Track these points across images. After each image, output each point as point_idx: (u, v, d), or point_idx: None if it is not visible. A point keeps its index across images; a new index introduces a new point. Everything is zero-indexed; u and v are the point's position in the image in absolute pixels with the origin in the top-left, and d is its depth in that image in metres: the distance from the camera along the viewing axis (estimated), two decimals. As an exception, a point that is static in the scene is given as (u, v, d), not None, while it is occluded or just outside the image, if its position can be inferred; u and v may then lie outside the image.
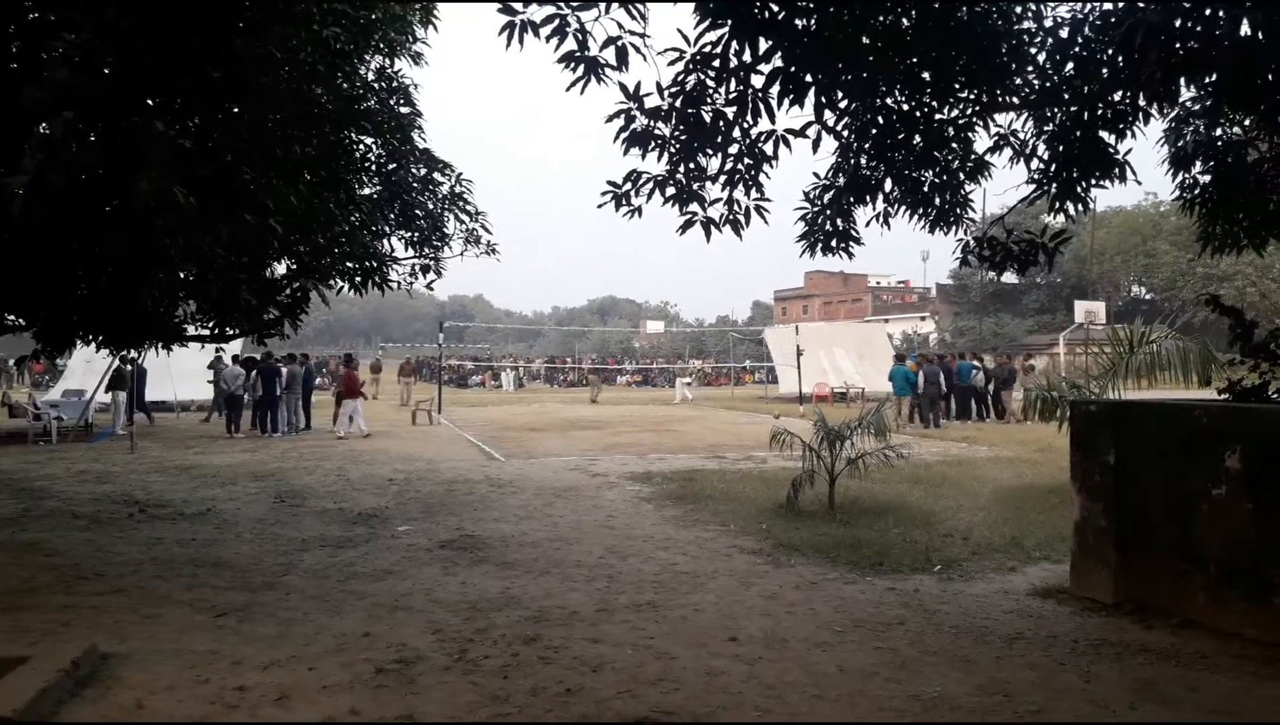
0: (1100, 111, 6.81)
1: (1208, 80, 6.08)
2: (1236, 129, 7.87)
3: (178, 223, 6.25)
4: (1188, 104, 7.88)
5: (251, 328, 9.02)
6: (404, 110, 10.55)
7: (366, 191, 10.48)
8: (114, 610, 6.76)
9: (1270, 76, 5.92)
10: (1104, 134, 6.89)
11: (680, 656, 5.88)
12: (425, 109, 10.72)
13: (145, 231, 6.39)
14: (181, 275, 7.55)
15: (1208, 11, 5.54)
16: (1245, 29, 5.50)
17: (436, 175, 11.15)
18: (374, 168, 10.59)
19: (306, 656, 5.84)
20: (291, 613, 6.79)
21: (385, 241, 10.92)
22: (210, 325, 8.92)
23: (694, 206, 6.84)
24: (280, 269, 9.27)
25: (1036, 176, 7.28)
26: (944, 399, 24.52)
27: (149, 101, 6.65)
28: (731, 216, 6.95)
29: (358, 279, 10.00)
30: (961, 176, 7.56)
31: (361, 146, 10.15)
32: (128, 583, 7.56)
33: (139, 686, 5.32)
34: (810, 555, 8.58)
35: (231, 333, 9.09)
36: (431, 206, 11.22)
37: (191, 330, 9.32)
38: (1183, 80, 6.13)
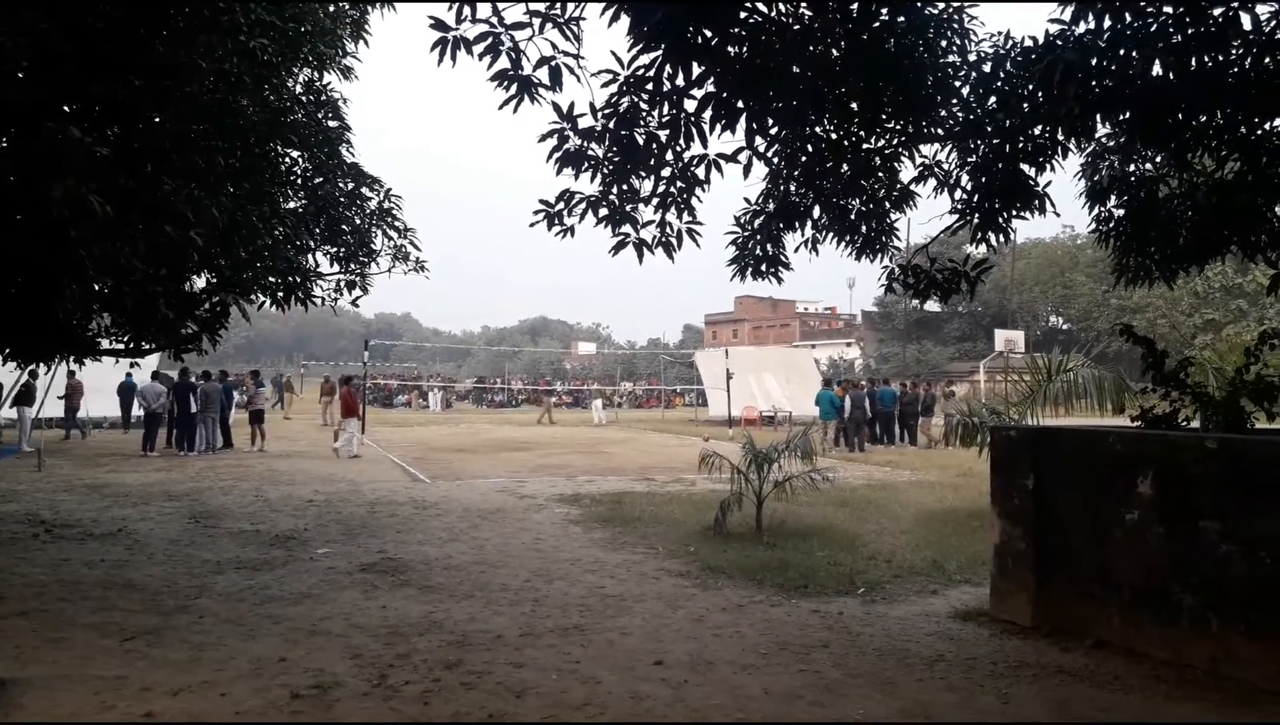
0: (1021, 145, 7.02)
1: (1122, 117, 6.33)
2: (1149, 165, 8.15)
3: (93, 233, 6.08)
4: (1103, 140, 8.15)
5: (169, 342, 8.79)
6: (332, 124, 10.44)
7: (291, 205, 10.33)
8: (15, 635, 6.49)
9: (1180, 115, 6.17)
10: (1025, 166, 7.09)
11: (605, 680, 5.84)
12: (361, 121, 10.65)
13: (59, 241, 6.20)
14: (96, 287, 7.33)
15: (1122, 52, 5.76)
16: (1158, 69, 5.72)
17: (365, 190, 11.03)
18: (300, 181, 10.45)
19: (219, 682, 5.67)
20: (205, 637, 6.60)
21: (310, 256, 10.77)
22: (125, 339, 8.66)
23: (626, 228, 6.85)
24: (200, 282, 9.07)
25: (960, 206, 7.47)
26: (868, 424, 24.99)
27: (66, 108, 6.46)
28: (664, 239, 6.96)
29: (280, 294, 9.83)
30: (887, 205, 7.71)
31: (287, 160, 10.01)
32: (31, 606, 7.28)
33: (41, 714, 5.11)
34: (737, 578, 8.62)
35: (148, 347, 8.85)
36: (359, 222, 11.10)
37: (106, 344, 9.04)
38: (1098, 116, 6.36)
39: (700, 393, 46.62)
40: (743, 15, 5.89)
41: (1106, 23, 5.86)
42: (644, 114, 6.33)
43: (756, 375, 36.52)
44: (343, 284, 11.31)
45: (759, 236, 7.87)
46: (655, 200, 6.88)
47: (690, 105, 6.15)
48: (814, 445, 11.41)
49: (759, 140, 6.42)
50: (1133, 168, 8.23)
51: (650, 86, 6.17)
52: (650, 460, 20.44)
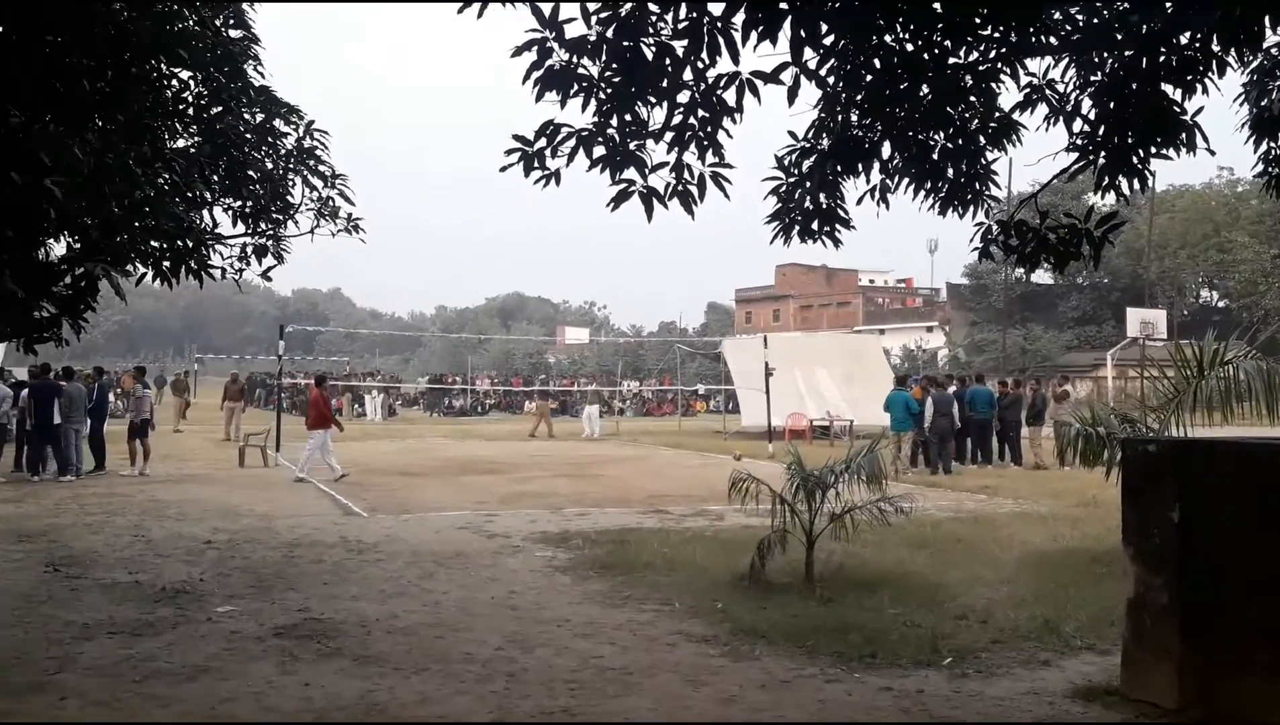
0: (1163, 58, 6.94)
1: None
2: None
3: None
4: (1275, 51, 8.06)
5: (16, 330, 8.75)
6: (234, 34, 10.32)
7: (181, 144, 10.22)
8: None
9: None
10: (1167, 88, 7.03)
11: (605, 783, 5.83)
12: (276, 36, 10.57)
13: None
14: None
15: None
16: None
17: (278, 123, 10.92)
18: (192, 112, 10.32)
19: (86, 787, 5.66)
20: (67, 725, 6.55)
21: (206, 213, 10.73)
22: (-47, 327, 8.63)
23: (631, 172, 6.86)
24: (59, 249, 9.03)
25: (1080, 142, 7.44)
26: (956, 435, 24.95)
27: None
28: (680, 187, 6.98)
29: (166, 263, 9.71)
30: (982, 140, 7.69)
31: (175, 83, 9.87)
32: None
33: None
34: (780, 644, 8.55)
35: (-13, 337, 8.81)
36: (271, 166, 11.01)
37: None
38: (1268, 18, 6.29)
39: (730, 395, 46.51)
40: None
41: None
42: (653, 18, 6.30)
43: (806, 371, 36.52)
44: (250, 250, 11.25)
45: (809, 183, 7.86)
46: (669, 135, 6.84)
47: (716, 8, 6.12)
48: (883, 465, 11.36)
49: (809, 54, 6.37)
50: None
51: (662, -21, 6.15)
52: (663, 486, 20.41)
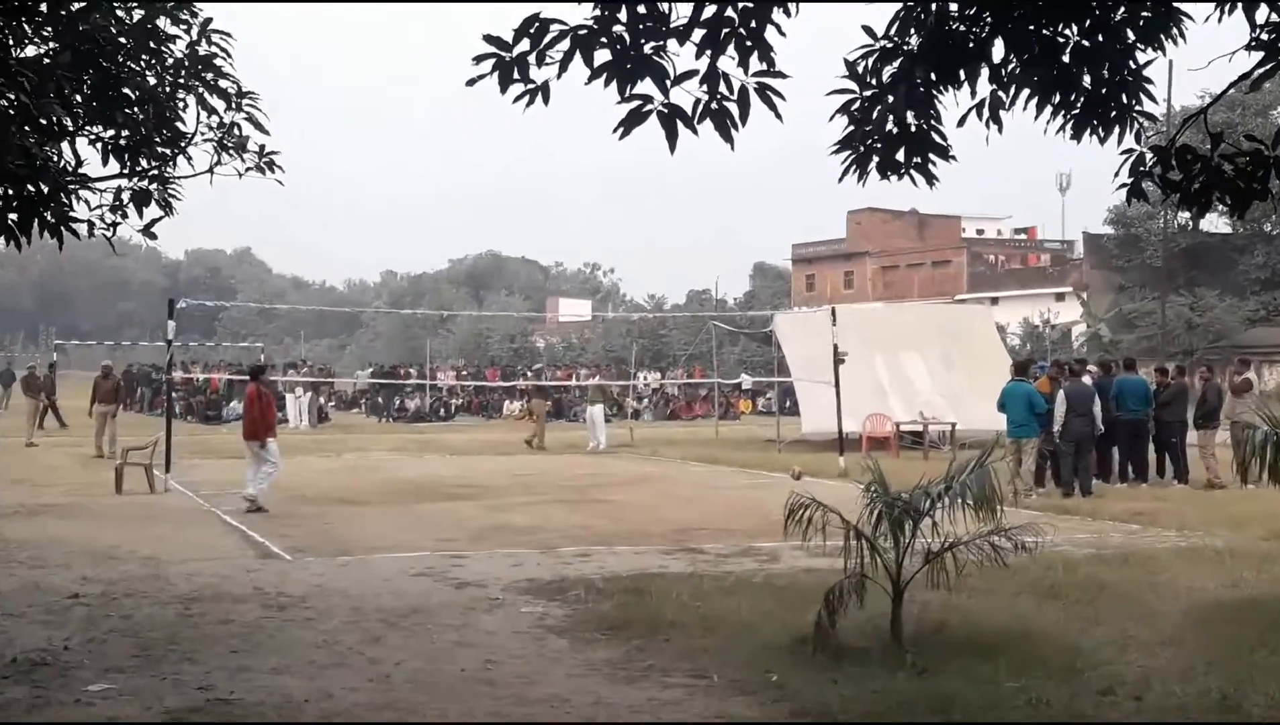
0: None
1: None
2: None
3: None
4: None
5: None
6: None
7: (31, 51, 10.20)
8: None
9: None
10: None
11: None
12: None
13: None
14: None
15: None
16: None
17: (164, 23, 10.85)
18: (44, 8, 10.33)
19: None
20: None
21: (65, 146, 10.74)
22: None
23: (647, 86, 6.89)
24: None
25: (1267, 37, 7.44)
26: (1098, 443, 24.62)
27: None
28: (715, 104, 7.00)
29: (12, 216, 9.78)
30: (1131, 36, 7.67)
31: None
32: None
33: None
34: (859, 732, 8.49)
35: None
36: (154, 82, 10.99)
37: None
38: None
39: (786, 390, 46.38)
40: None
41: None
42: None
43: (890, 356, 36.45)
44: (127, 197, 11.25)
45: (892, 98, 7.84)
46: (698, 33, 6.86)
47: None
48: (998, 485, 11.22)
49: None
50: None
51: None
52: (694, 515, 20.37)
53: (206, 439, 39.06)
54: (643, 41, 6.81)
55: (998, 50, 7.64)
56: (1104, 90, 7.82)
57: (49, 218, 9.99)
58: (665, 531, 18.48)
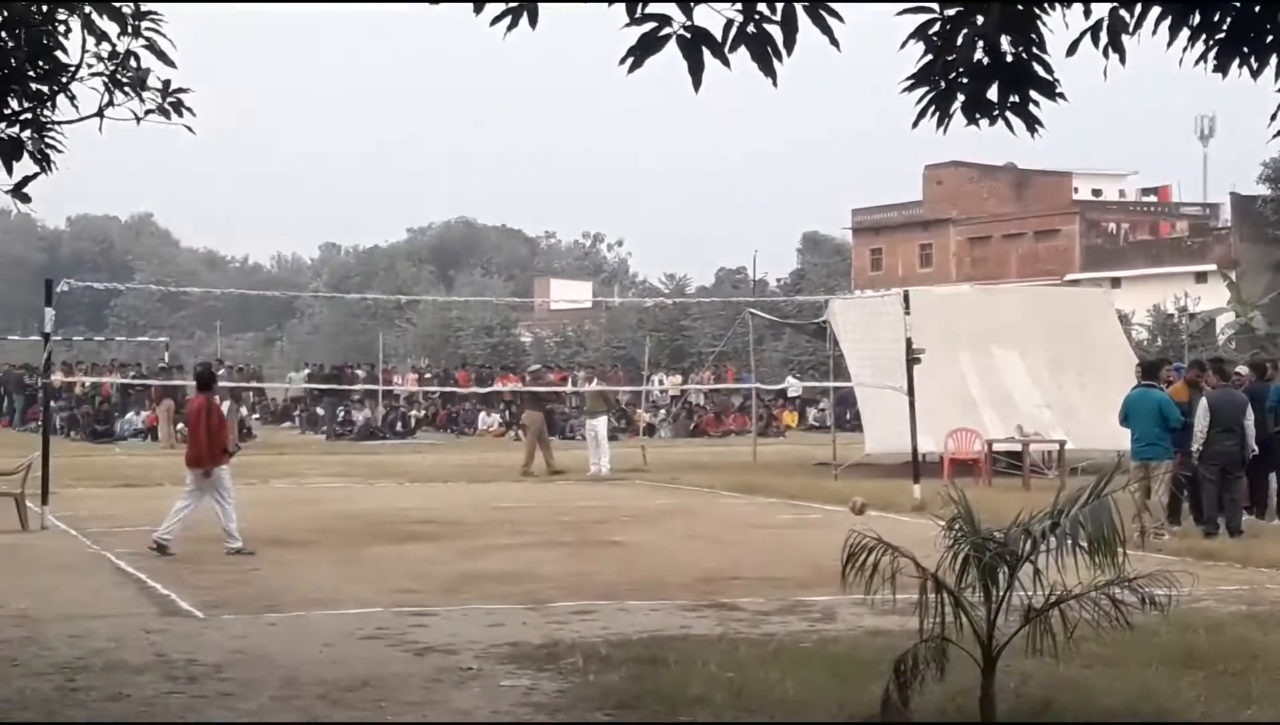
0: None
1: None
2: None
3: None
4: None
5: None
6: None
7: None
8: None
9: None
10: None
11: None
12: None
13: None
14: None
15: None
16: None
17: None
18: None
19: None
20: None
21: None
22: None
23: (664, 4, 6.75)
24: None
25: None
26: (1252, 466, 22.37)
27: None
28: (753, 25, 6.83)
29: None
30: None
31: None
32: None
33: None
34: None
35: None
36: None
37: None
38: None
39: (844, 398, 43.32)
40: None
41: None
42: None
43: (980, 354, 33.47)
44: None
45: (980, 19, 7.29)
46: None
47: None
48: (1120, 522, 10.18)
49: None
50: None
51: None
52: (725, 560, 18.85)
53: (94, 461, 37.89)
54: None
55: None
56: (1258, 6, 7.24)
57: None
58: (688, 581, 17.07)
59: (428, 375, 61.25)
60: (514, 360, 70.67)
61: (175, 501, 19.81)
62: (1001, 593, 9.50)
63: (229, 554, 19.14)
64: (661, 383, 59.60)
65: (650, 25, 6.71)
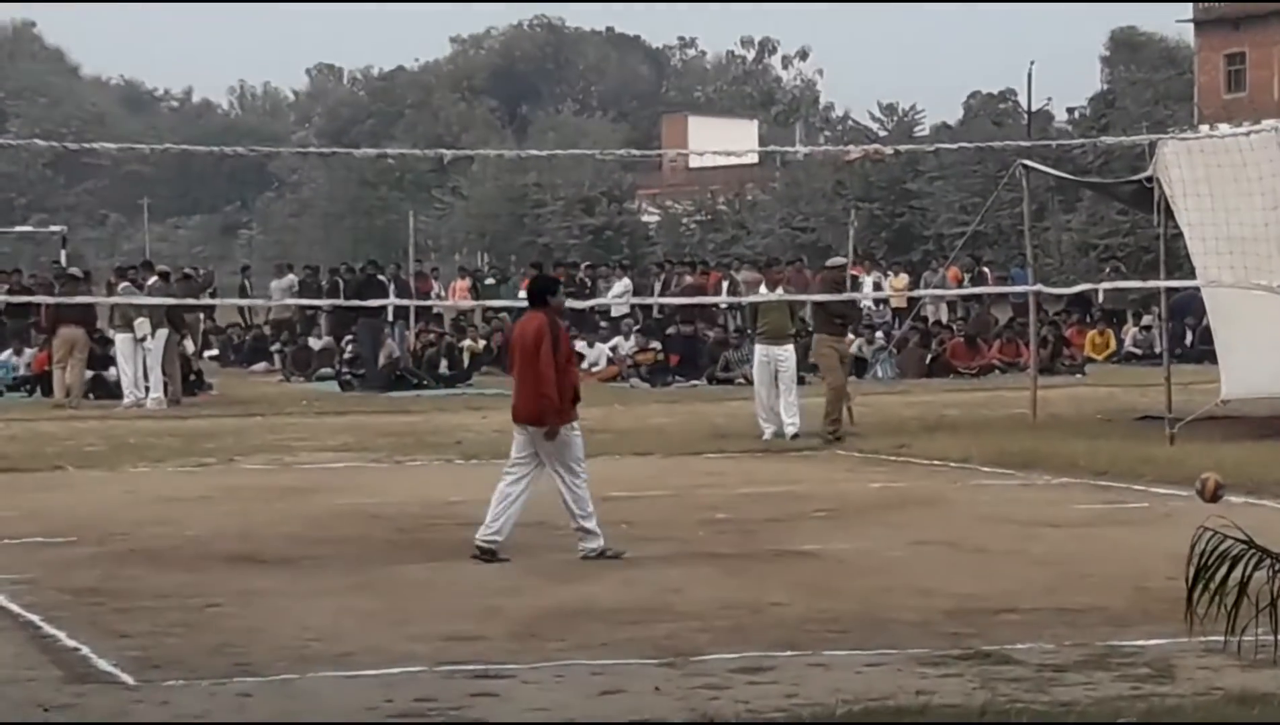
0: None
1: None
2: None
3: None
4: None
5: None
6: None
7: None
8: None
9: None
10: None
11: None
12: None
13: None
14: None
15: None
16: None
17: None
18: None
19: None
20: None
21: None
22: None
23: None
24: None
25: None
26: None
27: None
28: None
29: None
30: None
31: None
32: None
33: None
34: None
35: None
36: None
37: None
38: None
39: (1182, 307, 29.73)
40: None
41: None
42: None
43: None
44: None
45: None
46: None
47: None
48: None
49: None
50: None
51: None
52: (988, 581, 13.56)
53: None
54: None
55: None
56: None
57: None
58: (929, 617, 12.28)
59: (489, 281, 44.17)
60: (630, 253, 51.27)
61: (499, 484, 14.56)
62: None
63: (585, 558, 14.22)
64: (878, 284, 39.93)
65: None
